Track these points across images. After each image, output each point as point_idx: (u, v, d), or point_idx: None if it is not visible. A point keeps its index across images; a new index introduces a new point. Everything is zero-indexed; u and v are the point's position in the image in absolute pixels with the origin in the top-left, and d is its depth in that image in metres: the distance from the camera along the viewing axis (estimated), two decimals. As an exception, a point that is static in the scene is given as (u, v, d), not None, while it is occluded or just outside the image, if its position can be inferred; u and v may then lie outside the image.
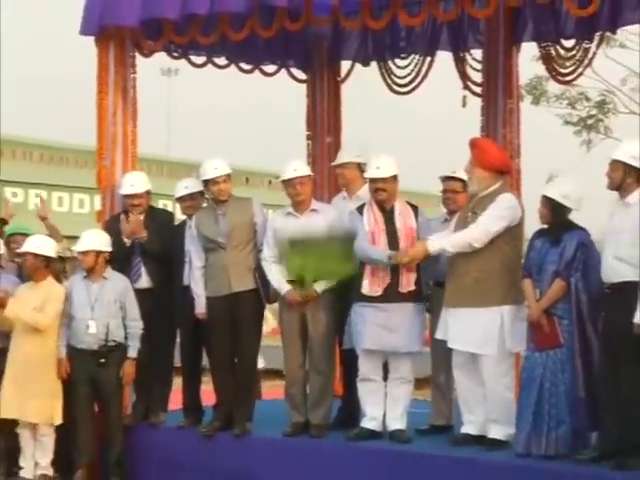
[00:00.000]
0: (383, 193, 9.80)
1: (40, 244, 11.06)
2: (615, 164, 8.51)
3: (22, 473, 10.92)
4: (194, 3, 10.62)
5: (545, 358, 8.72)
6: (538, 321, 8.65)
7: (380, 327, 9.63)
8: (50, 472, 10.91)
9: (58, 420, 10.88)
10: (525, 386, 8.93)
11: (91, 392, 10.83)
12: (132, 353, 10.79)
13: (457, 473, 8.95)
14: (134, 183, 11.20)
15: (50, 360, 10.88)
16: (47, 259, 11.00)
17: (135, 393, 11.19)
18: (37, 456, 10.95)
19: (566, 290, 8.60)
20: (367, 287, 9.73)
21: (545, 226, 9.04)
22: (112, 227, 11.20)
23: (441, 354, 9.96)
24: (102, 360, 10.74)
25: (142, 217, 11.07)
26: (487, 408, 9.29)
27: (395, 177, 9.85)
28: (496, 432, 9.20)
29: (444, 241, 9.29)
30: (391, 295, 9.66)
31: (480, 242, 9.06)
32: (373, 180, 9.85)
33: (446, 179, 10.12)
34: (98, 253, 10.79)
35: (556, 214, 8.83)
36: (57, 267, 11.36)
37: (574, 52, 11.47)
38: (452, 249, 9.22)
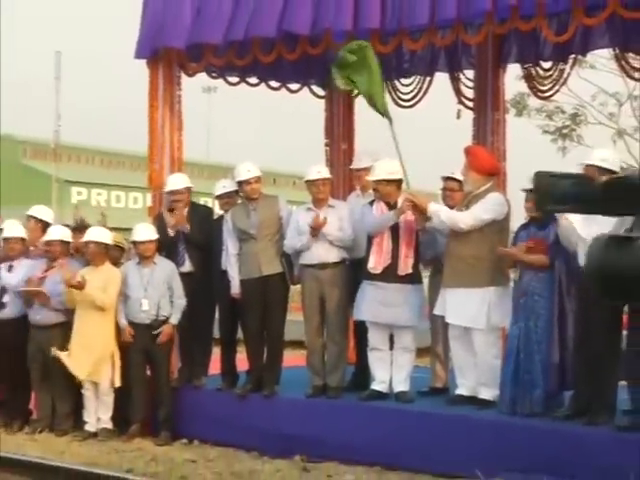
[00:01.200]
0: (389, 187, 9.85)
1: (100, 234, 11.21)
2: (589, 167, 8.61)
3: (86, 427, 10.97)
4: (232, 30, 10.66)
5: (520, 331, 8.83)
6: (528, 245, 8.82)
7: (378, 303, 9.68)
8: (110, 426, 10.94)
9: (117, 382, 10.92)
10: (506, 356, 9.10)
11: (144, 359, 10.87)
12: (173, 320, 10.84)
13: (452, 428, 9.02)
14: (176, 182, 11.25)
15: (109, 331, 10.95)
16: (106, 246, 11.10)
17: (180, 360, 11.20)
18: (99, 412, 11.00)
19: (546, 265, 8.71)
20: (372, 262, 9.74)
21: (527, 220, 9.14)
22: (161, 220, 11.25)
23: (439, 327, 10.06)
24: (154, 332, 10.78)
25: (186, 212, 11.10)
26: (477, 373, 9.37)
27: (400, 179, 9.90)
28: (485, 393, 9.29)
29: (442, 209, 9.44)
30: (390, 276, 9.67)
31: (466, 225, 9.15)
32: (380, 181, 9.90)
33: (446, 179, 10.19)
34: (152, 242, 10.89)
35: None
36: (116, 254, 11.39)
37: (551, 72, 11.48)
38: (444, 218, 9.31)
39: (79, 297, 10.88)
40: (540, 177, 4.08)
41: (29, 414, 11.66)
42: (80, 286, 10.69)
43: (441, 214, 9.33)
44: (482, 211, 9.19)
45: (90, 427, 10.97)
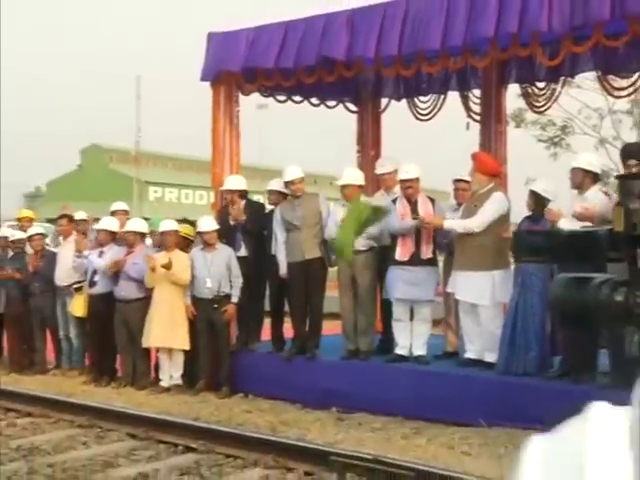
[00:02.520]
0: (410, 189, 9.89)
1: (176, 225, 11.45)
2: (575, 170, 8.61)
3: (161, 383, 11.09)
4: (280, 56, 10.68)
5: (518, 305, 8.88)
6: None
7: (406, 283, 9.73)
8: (180, 382, 11.03)
9: (187, 346, 11.01)
10: (505, 326, 9.09)
11: (208, 327, 10.89)
12: (234, 299, 10.86)
13: (461, 385, 9.06)
14: (234, 182, 11.25)
15: (181, 305, 11.03)
16: (178, 235, 11.26)
17: (238, 328, 11.22)
18: (172, 371, 11.10)
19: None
20: (398, 254, 9.82)
21: (529, 214, 9.23)
22: (222, 214, 11.29)
23: (451, 302, 10.08)
24: (215, 306, 10.82)
25: (242, 206, 11.13)
26: (482, 341, 9.38)
27: (418, 179, 9.94)
28: (489, 357, 9.30)
29: (455, 223, 9.43)
30: (415, 260, 9.75)
31: (478, 228, 9.18)
32: (403, 181, 9.92)
33: (457, 180, 10.23)
34: (214, 231, 10.92)
35: (539, 203, 9.00)
36: (183, 242, 11.46)
37: (545, 91, 11.43)
38: (459, 229, 9.34)
39: (158, 277, 10.95)
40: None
41: (115, 372, 11.78)
42: (168, 267, 10.79)
43: (456, 227, 9.40)
44: (489, 214, 9.22)
45: (164, 383, 11.07)
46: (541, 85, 11.39)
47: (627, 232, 1.99)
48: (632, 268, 2.01)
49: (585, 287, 2.17)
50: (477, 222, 9.20)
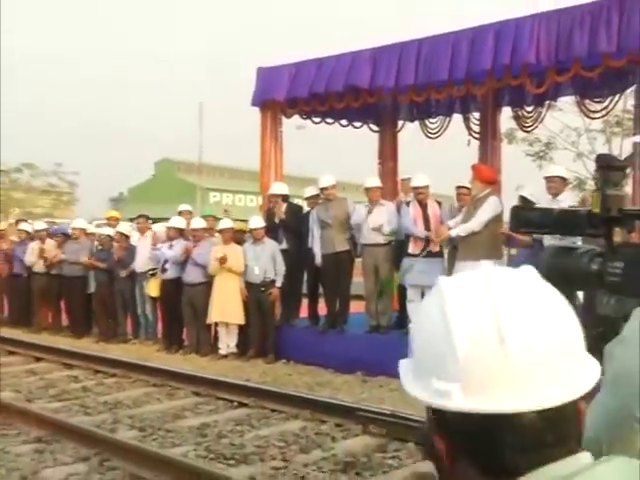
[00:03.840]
0: (421, 195, 9.85)
1: (232, 224, 11.53)
2: (552, 177, 8.61)
3: (220, 351, 11.11)
4: (315, 86, 10.71)
5: None
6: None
7: (418, 271, 9.64)
8: (235, 350, 11.07)
9: (241, 321, 11.03)
10: None
11: (257, 306, 10.90)
12: (278, 284, 10.84)
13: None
14: (278, 188, 11.28)
15: (237, 288, 11.04)
16: (235, 231, 11.34)
17: (281, 307, 11.22)
18: (228, 341, 11.13)
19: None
20: (411, 248, 9.82)
21: None
22: (268, 214, 11.30)
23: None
24: (263, 289, 10.83)
25: (284, 208, 11.13)
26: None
27: (427, 186, 9.92)
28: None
29: (458, 229, 9.30)
30: (425, 253, 9.69)
31: (477, 227, 9.10)
32: (416, 187, 9.91)
33: (459, 187, 10.12)
34: (261, 228, 10.93)
35: (526, 205, 8.89)
36: (239, 236, 11.49)
37: (532, 113, 11.30)
38: (463, 234, 9.23)
39: (220, 267, 10.98)
40: (515, 210, 4.19)
41: (182, 342, 11.81)
42: (223, 261, 10.86)
43: (460, 232, 9.28)
44: (485, 215, 9.12)
45: (222, 351, 11.10)
46: (529, 109, 11.27)
47: (603, 214, 2.05)
48: (607, 242, 2.06)
49: (569, 255, 2.20)
50: (476, 223, 9.12)
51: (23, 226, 15.35)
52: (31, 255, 14.14)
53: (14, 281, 14.69)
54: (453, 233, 9.36)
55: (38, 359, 10.85)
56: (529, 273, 1.05)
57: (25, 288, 14.41)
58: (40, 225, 15.21)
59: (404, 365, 1.07)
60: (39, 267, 14.04)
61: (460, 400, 0.94)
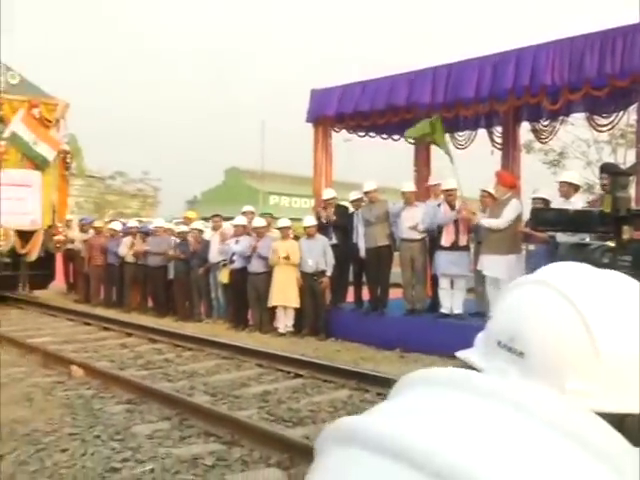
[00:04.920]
0: (451, 197, 9.75)
1: (289, 222, 11.51)
2: (563, 183, 8.45)
3: (279, 330, 11.12)
4: (360, 104, 10.70)
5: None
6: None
7: (448, 262, 9.61)
8: (292, 329, 11.07)
9: (297, 305, 11.03)
10: None
11: (310, 292, 10.91)
12: (328, 273, 10.84)
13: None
14: (328, 193, 11.28)
15: (293, 277, 11.04)
16: (289, 229, 11.31)
17: (330, 292, 11.21)
18: (286, 322, 11.14)
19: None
20: (443, 241, 9.70)
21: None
22: (320, 214, 11.28)
23: (480, 277, 9.82)
24: (315, 277, 10.83)
25: (333, 209, 11.12)
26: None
27: (456, 189, 9.78)
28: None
29: (486, 221, 9.18)
30: (454, 246, 9.62)
31: (502, 226, 8.97)
32: (445, 190, 9.84)
33: (482, 191, 9.97)
34: (314, 226, 10.93)
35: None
36: (294, 233, 11.53)
37: (548, 127, 11.10)
38: (487, 225, 9.11)
39: (279, 259, 11.01)
40: (534, 210, 4.14)
41: (247, 322, 11.86)
42: (286, 257, 10.87)
43: (486, 224, 9.15)
44: (509, 215, 8.98)
45: (281, 330, 11.11)
46: (545, 123, 11.08)
47: (613, 213, 2.01)
48: (616, 239, 2.03)
49: (582, 250, 2.17)
50: (502, 221, 8.98)
51: (113, 225, 15.69)
52: (123, 248, 14.39)
53: (108, 270, 14.96)
54: (483, 222, 9.20)
55: (128, 334, 11.04)
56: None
57: (117, 276, 14.68)
58: (132, 223, 15.47)
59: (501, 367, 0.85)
60: (129, 258, 14.28)
61: (601, 400, 0.80)
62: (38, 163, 14.72)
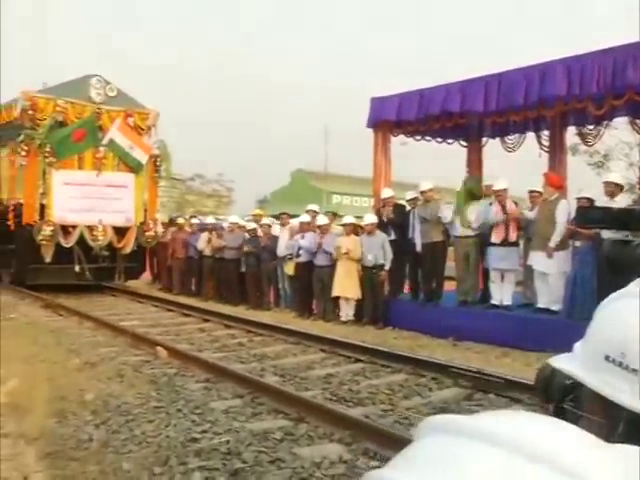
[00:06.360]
0: (501, 196, 9.55)
1: (353, 219, 11.58)
2: (609, 183, 8.15)
3: (341, 318, 11.13)
4: (418, 112, 10.62)
5: (577, 274, 8.38)
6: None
7: (499, 257, 9.45)
8: (353, 318, 11.06)
9: (358, 295, 11.02)
10: (565, 286, 8.66)
11: (370, 284, 10.89)
12: (386, 267, 10.79)
13: (535, 325, 8.65)
14: (387, 192, 11.23)
15: (355, 270, 11.05)
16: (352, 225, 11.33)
17: (388, 284, 11.15)
18: (348, 311, 11.14)
19: (593, 237, 8.09)
20: (494, 238, 9.55)
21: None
22: (379, 212, 11.24)
23: (529, 271, 9.65)
24: (374, 271, 10.79)
25: (392, 207, 11.07)
26: (550, 296, 8.95)
27: (506, 189, 9.60)
28: (555, 307, 8.90)
29: (553, 241, 8.84)
30: (504, 243, 9.45)
31: (561, 230, 8.73)
32: (496, 190, 9.64)
33: (531, 191, 9.83)
34: (374, 223, 10.89)
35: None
36: (355, 230, 11.53)
37: (593, 131, 10.75)
38: (557, 240, 8.80)
39: (342, 254, 11.03)
40: (581, 209, 4.05)
41: (312, 311, 11.91)
42: (348, 252, 10.92)
43: (554, 242, 8.80)
44: (561, 218, 8.72)
45: (343, 318, 11.12)
46: (590, 127, 10.74)
47: None
48: None
49: (625, 247, 2.10)
50: (558, 231, 8.75)
51: (194, 221, 16.09)
52: (202, 242, 14.69)
53: (189, 262, 15.31)
54: (552, 244, 8.82)
55: (206, 320, 11.27)
56: None
57: (197, 267, 15.00)
58: (210, 220, 15.81)
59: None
60: (207, 252, 14.57)
61: None
62: (133, 167, 15.18)
